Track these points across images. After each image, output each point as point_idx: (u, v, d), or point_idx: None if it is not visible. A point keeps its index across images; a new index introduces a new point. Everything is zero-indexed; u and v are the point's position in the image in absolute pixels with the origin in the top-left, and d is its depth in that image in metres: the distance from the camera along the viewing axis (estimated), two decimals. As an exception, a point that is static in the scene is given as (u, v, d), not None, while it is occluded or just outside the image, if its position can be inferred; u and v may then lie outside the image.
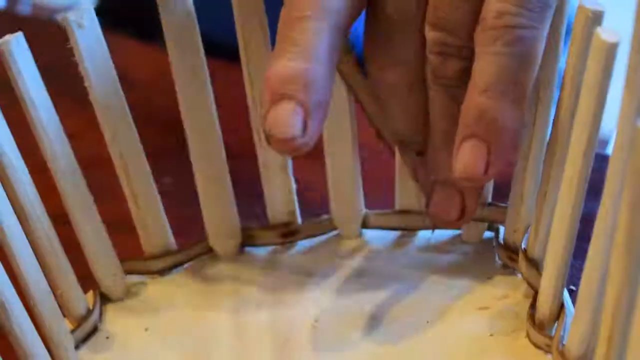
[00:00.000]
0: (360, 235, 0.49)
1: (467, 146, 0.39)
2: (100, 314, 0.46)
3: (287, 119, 0.38)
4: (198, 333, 0.44)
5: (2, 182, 0.41)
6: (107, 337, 0.45)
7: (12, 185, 0.41)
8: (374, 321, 0.43)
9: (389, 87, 0.43)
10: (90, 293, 0.46)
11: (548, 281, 0.40)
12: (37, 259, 0.42)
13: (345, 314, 0.44)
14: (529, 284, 0.43)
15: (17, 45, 0.41)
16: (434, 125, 0.43)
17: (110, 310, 0.46)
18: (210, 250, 0.49)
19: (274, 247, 0.49)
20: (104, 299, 0.47)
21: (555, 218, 0.39)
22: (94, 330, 0.45)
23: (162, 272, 0.48)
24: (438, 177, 0.43)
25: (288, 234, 0.49)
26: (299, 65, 0.39)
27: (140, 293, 0.47)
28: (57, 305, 0.42)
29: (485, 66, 0.39)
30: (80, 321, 0.44)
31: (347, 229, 0.49)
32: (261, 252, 0.49)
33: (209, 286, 0.47)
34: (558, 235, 0.39)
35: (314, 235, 0.49)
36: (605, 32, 0.35)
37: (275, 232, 0.49)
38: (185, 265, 0.49)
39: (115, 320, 0.46)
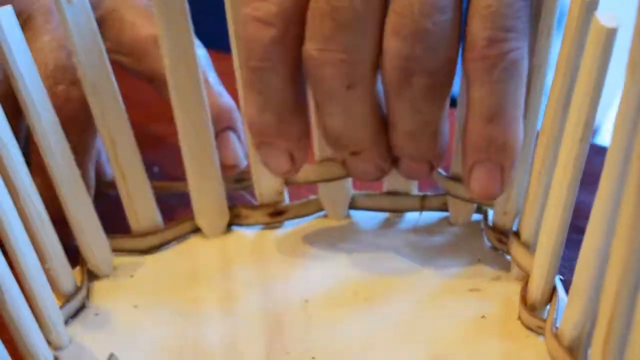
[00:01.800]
0: (348, 216, 0.49)
1: (481, 170, 0.42)
2: (88, 291, 0.46)
3: (275, 161, 0.44)
4: (188, 310, 0.44)
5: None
6: (97, 314, 0.44)
7: (1, 160, 0.41)
8: (365, 301, 0.44)
9: (326, 80, 0.41)
10: (78, 270, 0.46)
11: (540, 264, 0.40)
12: (27, 233, 0.42)
13: (336, 294, 0.44)
14: (519, 266, 0.43)
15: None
16: (395, 125, 0.42)
17: (98, 287, 0.46)
18: (197, 229, 0.49)
19: (261, 227, 0.49)
20: (92, 276, 0.47)
21: (548, 203, 0.39)
22: (82, 306, 0.45)
23: (150, 250, 0.48)
24: (403, 155, 0.43)
25: (275, 213, 0.49)
26: (270, 117, 0.42)
27: (127, 271, 0.47)
28: (46, 280, 0.42)
29: (486, 95, 0.40)
30: (68, 297, 0.44)
31: (334, 210, 0.49)
32: (248, 231, 0.49)
33: (197, 265, 0.47)
34: (551, 220, 0.39)
35: (302, 216, 0.49)
36: (603, 18, 0.35)
37: (262, 211, 0.49)
38: (173, 244, 0.49)
39: (103, 297, 0.45)
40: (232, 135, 0.48)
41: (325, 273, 0.46)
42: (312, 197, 0.49)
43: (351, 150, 0.43)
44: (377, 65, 0.41)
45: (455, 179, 0.47)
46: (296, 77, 0.42)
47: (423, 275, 0.45)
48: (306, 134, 0.44)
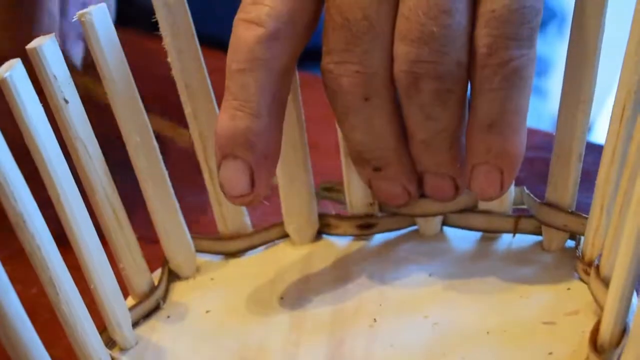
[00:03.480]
0: (440, 232, 0.47)
1: (480, 172, 0.41)
2: (167, 292, 0.46)
3: (234, 177, 0.41)
4: (257, 320, 0.43)
5: (73, 157, 0.41)
6: (168, 316, 0.44)
7: (78, 155, 0.41)
8: (432, 326, 0.42)
9: (344, 93, 0.41)
10: (159, 270, 0.46)
11: (612, 303, 0.37)
12: (104, 232, 0.43)
13: (406, 316, 0.42)
14: (597, 302, 0.40)
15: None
16: (412, 135, 0.42)
17: (178, 288, 0.46)
18: (286, 235, 0.48)
19: (351, 237, 0.48)
20: (173, 276, 0.47)
21: (623, 237, 0.36)
22: (156, 307, 0.45)
23: (235, 253, 0.48)
24: (425, 170, 0.43)
25: (365, 226, 0.47)
26: (240, 123, 0.41)
27: (209, 273, 0.47)
28: (114, 280, 0.42)
29: (487, 103, 0.40)
30: (142, 298, 0.44)
31: (426, 226, 0.47)
32: (338, 241, 0.48)
33: (278, 272, 0.46)
34: (625, 256, 0.36)
35: (392, 230, 0.48)
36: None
37: (352, 222, 0.48)
38: (260, 249, 0.48)
39: (179, 299, 0.45)
40: None
41: (402, 292, 0.44)
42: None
43: (374, 165, 0.43)
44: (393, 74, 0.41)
45: (548, 204, 0.44)
46: (277, 87, 0.41)
47: (501, 304, 0.42)
48: (273, 154, 0.42)
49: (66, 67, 0.41)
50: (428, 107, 0.40)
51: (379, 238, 0.48)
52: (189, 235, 0.47)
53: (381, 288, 0.44)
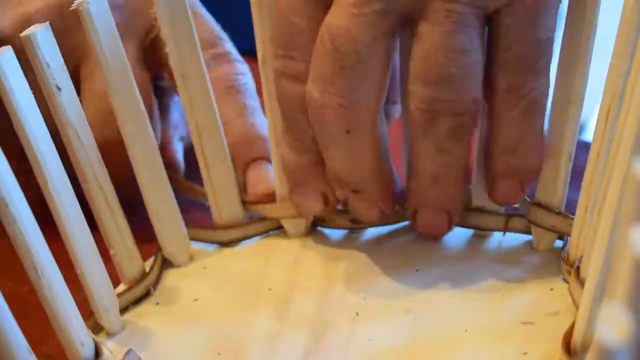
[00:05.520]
0: (433, 228, 0.47)
1: (502, 184, 0.43)
2: (159, 279, 0.46)
3: (308, 202, 0.45)
4: (243, 309, 0.44)
5: (65, 143, 0.42)
6: (157, 303, 0.45)
7: (69, 140, 0.42)
8: (413, 322, 0.42)
9: (326, 123, 0.41)
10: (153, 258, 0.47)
11: (585, 306, 0.37)
12: (95, 219, 0.43)
13: (387, 310, 0.43)
14: (575, 304, 0.40)
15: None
16: (419, 168, 0.42)
17: (169, 275, 0.47)
18: (280, 227, 0.49)
19: (344, 230, 0.48)
20: (167, 264, 0.47)
21: (597, 239, 0.36)
22: (147, 294, 0.45)
23: (229, 243, 0.48)
24: (422, 204, 0.44)
25: (357, 220, 0.47)
26: (304, 160, 0.44)
27: (202, 261, 0.48)
28: (102, 266, 0.43)
29: (508, 129, 0.42)
30: (132, 284, 0.45)
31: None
32: (332, 233, 0.48)
33: (270, 263, 0.47)
34: (598, 259, 0.36)
35: (384, 225, 0.48)
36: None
37: (347, 216, 0.48)
38: (255, 239, 0.49)
39: (170, 287, 0.46)
40: (265, 164, 0.48)
41: (386, 287, 0.44)
42: (397, 207, 0.47)
43: (352, 188, 0.43)
44: (377, 109, 0.41)
45: (537, 204, 0.44)
46: None
47: (483, 303, 0.42)
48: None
49: (60, 55, 0.41)
50: (443, 143, 0.41)
51: (371, 232, 0.48)
52: (183, 224, 0.47)
53: (367, 282, 0.45)
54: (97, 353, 0.41)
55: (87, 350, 0.41)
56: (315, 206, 0.45)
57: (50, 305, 0.39)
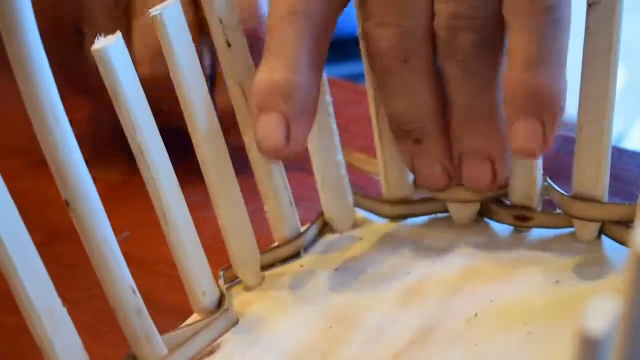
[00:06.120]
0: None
1: (521, 125, 0.39)
2: (314, 242, 0.47)
3: (270, 129, 0.40)
4: (373, 288, 0.44)
5: (232, 98, 0.43)
6: (301, 266, 0.46)
7: (236, 99, 0.43)
8: (527, 334, 0.40)
9: (383, 56, 0.41)
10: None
11: None
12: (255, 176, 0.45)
13: (506, 316, 0.41)
14: None
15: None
16: (454, 102, 0.42)
17: (326, 240, 0.48)
18: (447, 210, 0.48)
19: (511, 228, 0.47)
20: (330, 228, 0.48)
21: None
22: (296, 254, 0.47)
23: (395, 218, 0.48)
24: (464, 148, 0.43)
25: (521, 217, 0.46)
26: (277, 76, 0.40)
27: (362, 231, 0.48)
28: (247, 223, 0.44)
29: (525, 41, 0.39)
30: (282, 242, 0.46)
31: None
32: (497, 227, 0.47)
33: (422, 245, 0.46)
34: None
35: (548, 227, 0.46)
36: None
37: (510, 211, 0.46)
38: (421, 219, 0.48)
39: (319, 252, 0.47)
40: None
41: (518, 294, 0.42)
42: (558, 211, 0.45)
43: (415, 137, 0.43)
44: (430, 37, 0.41)
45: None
46: (317, 42, 0.41)
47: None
48: (311, 110, 0.41)
49: (235, 12, 0.42)
50: (468, 62, 0.40)
51: (538, 233, 0.46)
52: (349, 190, 0.47)
53: (503, 285, 0.43)
54: (220, 304, 0.43)
55: (209, 299, 0.42)
56: (277, 135, 0.40)
57: (175, 253, 0.42)
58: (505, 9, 0.39)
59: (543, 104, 0.39)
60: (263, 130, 0.40)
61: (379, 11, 0.41)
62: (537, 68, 0.38)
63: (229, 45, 0.43)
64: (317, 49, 0.41)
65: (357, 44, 0.44)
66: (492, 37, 0.40)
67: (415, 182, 0.47)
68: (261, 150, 0.41)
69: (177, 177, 0.41)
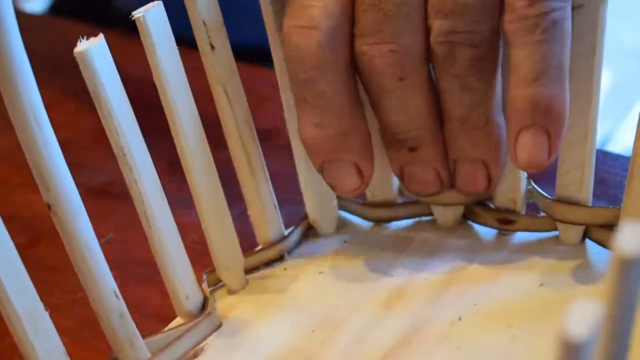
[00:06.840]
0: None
1: (528, 136, 0.39)
2: (298, 245, 0.47)
3: (341, 177, 0.42)
4: (359, 290, 0.44)
5: (216, 101, 0.43)
6: (285, 269, 0.46)
7: (219, 101, 0.43)
8: (511, 337, 0.40)
9: (378, 74, 0.40)
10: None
11: None
12: (238, 177, 0.45)
13: (490, 319, 0.41)
14: None
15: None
16: (450, 114, 0.41)
17: (310, 243, 0.47)
18: (431, 213, 0.47)
19: (495, 231, 0.47)
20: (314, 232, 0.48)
21: None
22: (280, 258, 0.46)
23: (378, 221, 0.48)
24: (459, 154, 0.42)
25: (504, 221, 0.46)
26: (329, 131, 0.41)
27: (346, 234, 0.48)
28: (231, 226, 0.44)
29: (529, 56, 0.38)
30: (266, 245, 0.46)
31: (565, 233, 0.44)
32: (481, 230, 0.47)
33: (406, 249, 0.46)
34: None
35: (532, 230, 0.46)
36: None
37: (494, 215, 0.46)
38: (404, 222, 0.48)
39: (304, 254, 0.47)
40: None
41: (502, 297, 0.42)
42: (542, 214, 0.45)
43: (410, 145, 0.42)
44: (426, 53, 0.40)
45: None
46: (350, 84, 0.41)
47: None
48: (369, 143, 0.42)
49: (219, 14, 0.42)
50: (464, 77, 0.40)
51: (521, 237, 0.46)
52: (333, 193, 0.47)
53: (488, 288, 0.43)
54: (204, 307, 0.42)
55: (192, 303, 0.42)
56: (351, 179, 0.42)
57: (158, 256, 0.41)
58: (507, 24, 0.39)
59: (549, 116, 0.39)
60: (334, 177, 0.42)
61: (373, 31, 0.40)
62: (541, 81, 0.38)
63: (212, 47, 0.43)
64: (353, 89, 0.42)
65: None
66: (488, 51, 0.40)
67: (401, 187, 0.46)
68: (340, 194, 0.44)
69: (160, 179, 0.41)
